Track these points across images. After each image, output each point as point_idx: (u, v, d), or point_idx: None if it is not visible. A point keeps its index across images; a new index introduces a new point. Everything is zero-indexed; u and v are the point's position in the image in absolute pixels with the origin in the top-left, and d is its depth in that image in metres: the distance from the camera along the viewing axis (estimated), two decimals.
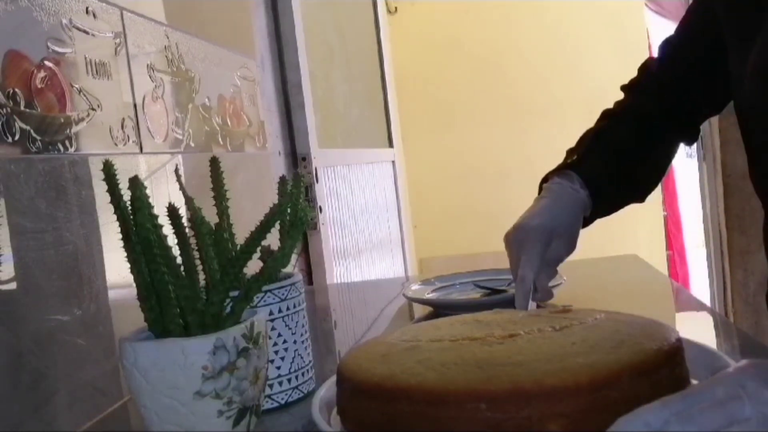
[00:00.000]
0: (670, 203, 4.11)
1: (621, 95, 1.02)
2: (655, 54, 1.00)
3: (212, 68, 1.26)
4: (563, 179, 0.91)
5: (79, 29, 0.84)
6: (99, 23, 0.89)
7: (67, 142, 0.79)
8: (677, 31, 0.97)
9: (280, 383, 0.72)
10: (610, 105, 1.01)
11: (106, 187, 0.55)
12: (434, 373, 0.50)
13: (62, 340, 0.75)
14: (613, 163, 0.93)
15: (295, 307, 0.72)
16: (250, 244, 0.58)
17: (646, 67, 1.00)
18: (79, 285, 0.79)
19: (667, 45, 0.97)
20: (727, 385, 0.42)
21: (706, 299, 2.42)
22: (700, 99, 0.94)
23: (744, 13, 0.81)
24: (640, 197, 0.98)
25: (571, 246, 0.90)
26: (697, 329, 0.93)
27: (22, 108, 0.72)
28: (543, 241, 0.86)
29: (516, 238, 0.87)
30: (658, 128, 0.95)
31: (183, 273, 0.57)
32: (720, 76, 0.87)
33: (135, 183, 0.55)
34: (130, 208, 0.55)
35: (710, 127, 2.36)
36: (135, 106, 0.96)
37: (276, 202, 0.59)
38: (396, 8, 3.83)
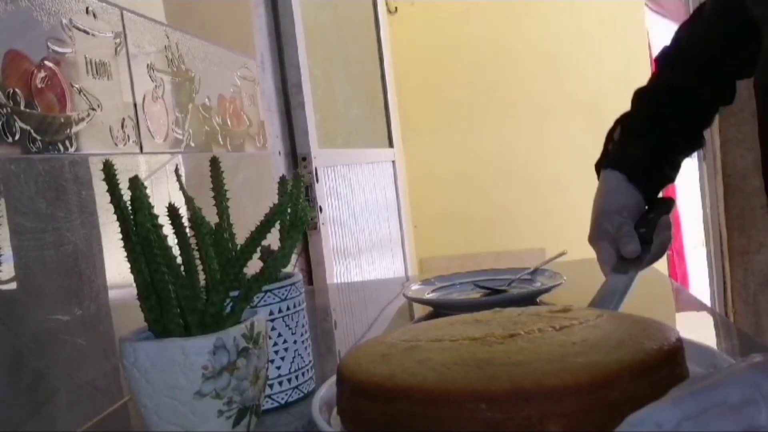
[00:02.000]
0: None
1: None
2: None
3: (212, 68, 1.26)
4: (613, 174, 0.91)
5: (79, 29, 0.84)
6: (99, 23, 0.89)
7: (67, 142, 0.79)
8: (710, 5, 0.97)
9: (280, 383, 0.72)
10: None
11: (106, 187, 0.55)
12: (434, 373, 0.50)
13: (62, 340, 0.75)
14: (651, 147, 0.92)
15: (295, 307, 0.72)
16: (250, 244, 0.58)
17: (677, 39, 1.00)
18: (79, 285, 0.79)
19: (698, 17, 0.97)
20: (742, 386, 0.40)
21: (706, 299, 2.42)
22: (732, 67, 0.94)
23: None
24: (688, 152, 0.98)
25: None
26: (697, 329, 0.92)
27: (22, 108, 0.72)
28: (611, 239, 0.86)
29: (592, 239, 0.89)
30: (691, 97, 0.95)
31: (183, 273, 0.57)
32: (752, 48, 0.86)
33: (135, 183, 0.55)
34: (130, 208, 0.55)
35: (710, 127, 2.36)
36: (135, 106, 0.96)
37: (276, 202, 0.59)
38: (396, 8, 3.83)
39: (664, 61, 1.00)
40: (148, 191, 0.56)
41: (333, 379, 0.61)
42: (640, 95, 0.97)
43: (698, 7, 1.00)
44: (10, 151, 0.70)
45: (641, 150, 0.91)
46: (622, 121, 0.96)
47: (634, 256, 0.83)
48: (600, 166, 0.93)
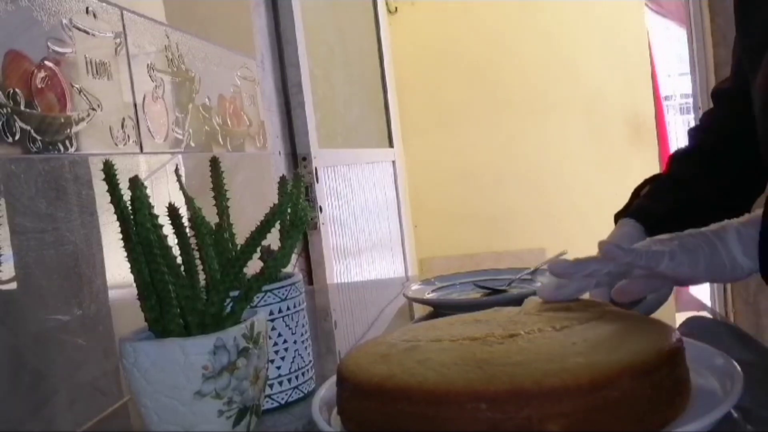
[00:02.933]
0: None
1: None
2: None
3: (212, 68, 1.26)
4: (629, 222, 0.88)
5: (79, 29, 0.84)
6: (99, 23, 0.89)
7: (67, 142, 0.79)
8: (731, 76, 0.96)
9: (280, 383, 0.72)
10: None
11: (106, 187, 0.55)
12: (434, 373, 0.50)
13: (62, 340, 0.75)
14: (677, 205, 0.89)
15: (295, 307, 0.72)
16: (250, 244, 0.58)
17: (711, 113, 0.98)
18: (79, 285, 0.79)
19: (720, 92, 0.96)
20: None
21: (706, 299, 2.41)
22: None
23: (754, 38, 0.81)
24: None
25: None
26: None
27: (22, 108, 0.72)
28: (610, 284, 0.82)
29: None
30: (730, 158, 0.91)
31: (183, 273, 0.57)
32: None
33: (135, 183, 0.55)
34: (130, 208, 0.56)
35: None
36: (135, 105, 0.96)
37: (276, 202, 0.59)
38: (396, 8, 3.83)
39: (697, 130, 0.98)
40: (148, 191, 0.56)
41: (333, 379, 0.61)
42: (674, 157, 0.95)
43: (716, 89, 0.99)
44: (10, 151, 0.70)
45: (665, 207, 0.88)
46: (652, 180, 0.94)
47: (627, 303, 0.81)
48: (619, 217, 0.91)
